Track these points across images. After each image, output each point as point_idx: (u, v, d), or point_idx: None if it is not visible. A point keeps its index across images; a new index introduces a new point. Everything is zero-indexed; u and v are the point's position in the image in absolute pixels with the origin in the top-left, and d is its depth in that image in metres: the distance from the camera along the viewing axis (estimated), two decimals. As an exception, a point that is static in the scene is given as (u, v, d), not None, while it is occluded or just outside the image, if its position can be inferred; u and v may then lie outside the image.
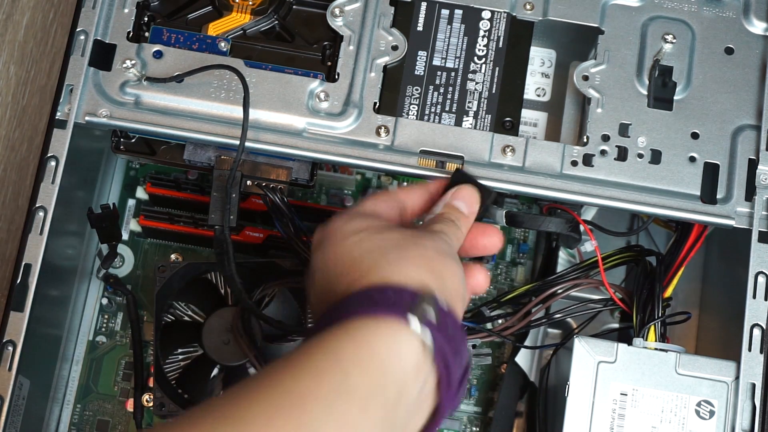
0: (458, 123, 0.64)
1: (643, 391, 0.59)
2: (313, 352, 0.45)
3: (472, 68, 0.66)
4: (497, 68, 0.66)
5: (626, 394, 0.59)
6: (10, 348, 0.59)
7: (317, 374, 0.44)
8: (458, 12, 0.66)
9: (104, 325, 0.74)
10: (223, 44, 0.66)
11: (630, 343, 0.60)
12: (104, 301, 0.74)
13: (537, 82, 0.71)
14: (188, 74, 0.63)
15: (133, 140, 0.65)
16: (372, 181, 0.77)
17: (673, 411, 0.59)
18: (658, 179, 0.63)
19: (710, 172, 0.63)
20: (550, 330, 0.73)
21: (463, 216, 0.57)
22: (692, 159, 0.63)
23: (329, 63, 0.66)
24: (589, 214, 0.68)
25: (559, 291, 0.65)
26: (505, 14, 0.66)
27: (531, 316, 0.65)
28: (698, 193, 0.63)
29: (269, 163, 0.63)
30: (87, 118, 0.63)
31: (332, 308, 0.49)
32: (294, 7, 0.68)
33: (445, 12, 0.67)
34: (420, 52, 0.66)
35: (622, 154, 0.63)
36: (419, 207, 0.58)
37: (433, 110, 0.65)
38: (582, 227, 0.66)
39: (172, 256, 0.75)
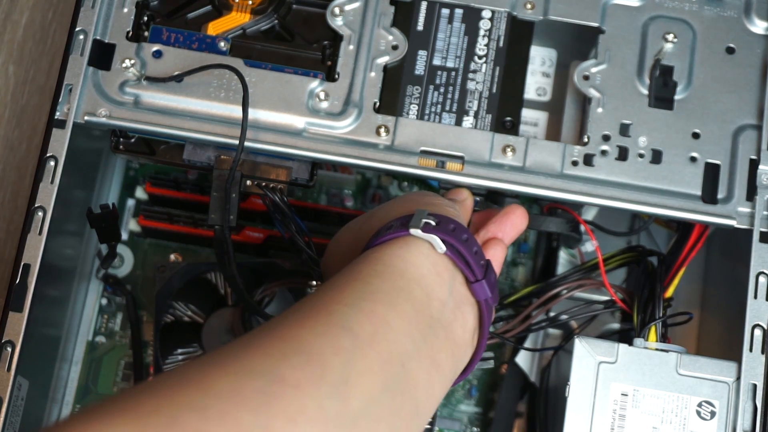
0: (458, 123, 0.64)
1: (644, 392, 0.59)
2: (334, 277, 0.49)
3: (472, 68, 0.65)
4: (497, 68, 0.65)
5: (627, 395, 0.59)
6: (9, 348, 0.59)
7: (339, 286, 0.48)
8: (458, 11, 0.66)
9: (104, 325, 0.74)
10: (222, 44, 0.66)
11: (631, 344, 0.60)
12: (104, 301, 0.74)
13: (537, 81, 0.70)
14: (188, 74, 0.63)
15: (133, 140, 0.65)
16: (372, 181, 0.77)
17: (674, 411, 0.59)
18: (659, 179, 0.63)
19: (711, 172, 0.63)
20: (550, 330, 0.72)
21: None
22: (693, 159, 0.63)
23: (329, 62, 0.66)
24: (589, 214, 0.68)
25: (562, 293, 0.65)
26: (506, 14, 0.66)
27: (532, 319, 0.65)
28: (699, 193, 0.62)
29: (269, 163, 0.63)
30: (86, 118, 0.63)
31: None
32: (294, 6, 0.68)
33: (445, 11, 0.66)
34: (420, 52, 0.66)
35: (622, 154, 0.63)
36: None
37: (433, 110, 0.64)
38: (582, 227, 0.66)
39: (172, 256, 0.75)
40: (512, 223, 0.60)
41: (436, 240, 0.51)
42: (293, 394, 0.40)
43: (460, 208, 0.60)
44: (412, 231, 0.51)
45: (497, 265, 0.58)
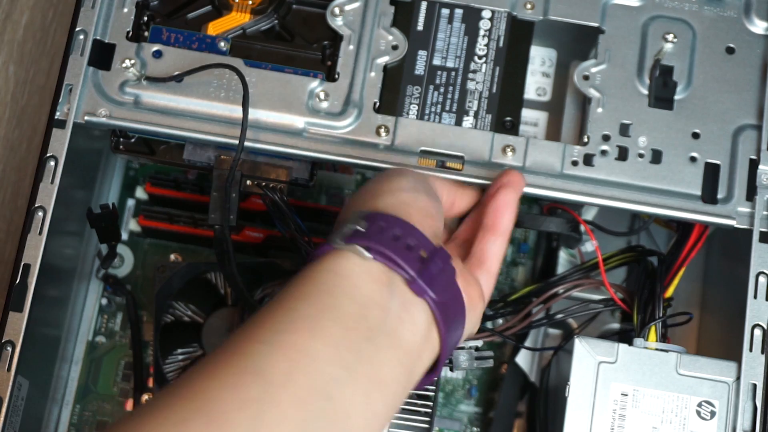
0: (458, 123, 0.64)
1: (644, 392, 0.59)
2: (263, 307, 0.47)
3: (472, 68, 0.65)
4: (497, 68, 0.65)
5: (627, 395, 0.59)
6: (9, 348, 0.59)
7: (260, 319, 0.45)
8: (458, 11, 0.66)
9: (104, 325, 0.74)
10: (222, 44, 0.66)
11: (631, 344, 0.60)
12: (104, 301, 0.74)
13: (537, 81, 0.70)
14: (188, 74, 0.63)
15: (133, 140, 0.65)
16: (372, 181, 0.77)
17: (674, 411, 0.59)
18: (659, 179, 0.63)
19: (711, 172, 0.63)
20: (550, 330, 0.72)
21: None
22: (693, 159, 0.63)
23: (329, 62, 0.66)
24: (589, 214, 0.68)
25: (561, 291, 0.65)
26: (506, 14, 0.66)
27: (532, 317, 0.65)
28: (699, 193, 0.62)
29: (269, 162, 0.63)
30: (86, 118, 0.63)
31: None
32: (294, 6, 0.68)
33: (445, 11, 0.66)
34: (420, 52, 0.66)
35: (622, 154, 0.63)
36: (465, 209, 0.60)
37: (433, 110, 0.64)
38: (582, 227, 0.66)
39: (172, 256, 0.75)
40: (507, 206, 0.57)
41: (358, 249, 0.48)
42: None
43: (459, 195, 0.58)
44: (335, 244, 0.49)
45: (496, 261, 0.56)
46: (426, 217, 0.52)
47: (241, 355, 0.43)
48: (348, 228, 0.49)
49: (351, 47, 0.65)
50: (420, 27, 0.66)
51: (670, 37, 0.65)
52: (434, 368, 0.51)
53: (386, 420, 0.47)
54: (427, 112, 0.64)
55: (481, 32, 0.66)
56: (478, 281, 0.54)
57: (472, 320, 0.53)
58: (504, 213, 0.57)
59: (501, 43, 0.66)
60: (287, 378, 0.42)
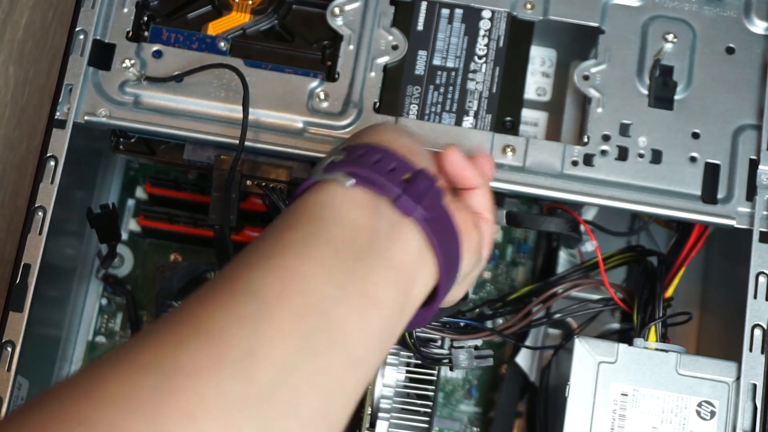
0: (458, 123, 0.64)
1: (644, 392, 0.59)
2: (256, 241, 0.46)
3: (472, 68, 0.65)
4: (497, 68, 0.65)
5: (627, 395, 0.59)
6: (9, 348, 0.59)
7: (249, 250, 0.45)
8: (458, 11, 0.66)
9: (104, 325, 0.74)
10: (222, 44, 0.66)
11: (631, 344, 0.60)
12: (104, 301, 0.74)
13: (537, 81, 0.70)
14: (188, 74, 0.63)
15: (133, 140, 0.65)
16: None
17: (673, 411, 0.59)
18: (659, 179, 0.63)
19: (711, 172, 0.63)
20: (550, 330, 0.72)
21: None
22: (693, 159, 0.63)
23: (329, 62, 0.66)
24: (589, 214, 0.68)
25: (561, 291, 0.65)
26: (506, 14, 0.66)
27: (532, 316, 0.65)
28: (699, 193, 0.62)
29: (269, 162, 0.63)
30: (86, 118, 0.63)
31: None
32: (294, 6, 0.68)
33: (445, 11, 0.66)
34: (420, 52, 0.66)
35: (622, 154, 0.63)
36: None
37: (433, 110, 0.64)
38: (582, 227, 0.66)
39: (172, 256, 0.75)
40: (457, 164, 0.54)
41: (338, 177, 0.47)
42: (190, 386, 0.37)
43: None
44: (315, 177, 0.48)
45: (486, 209, 0.54)
46: (410, 153, 0.50)
47: (234, 279, 0.43)
48: (328, 159, 0.49)
49: (351, 47, 0.65)
50: (420, 27, 0.66)
51: (670, 37, 0.65)
52: (435, 295, 0.49)
53: (385, 342, 0.46)
54: (427, 112, 0.64)
55: (481, 32, 0.66)
56: (470, 208, 0.53)
57: (470, 249, 0.51)
58: (462, 170, 0.54)
59: (501, 43, 0.66)
60: (281, 296, 0.42)
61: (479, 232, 0.53)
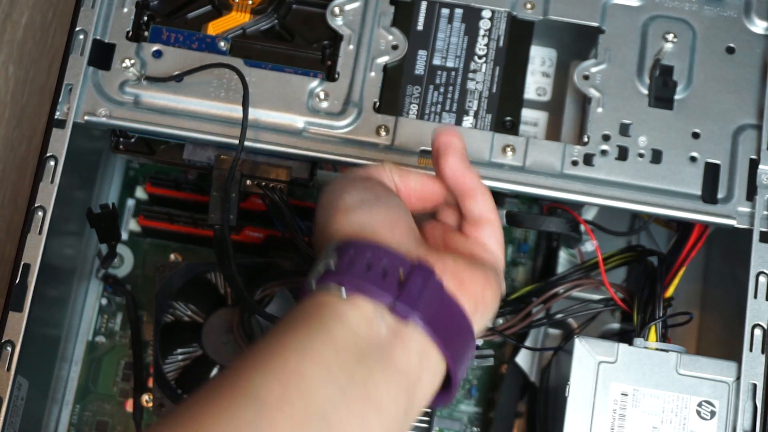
0: (458, 122, 0.64)
1: (644, 392, 0.59)
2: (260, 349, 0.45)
3: (472, 67, 0.65)
4: (497, 68, 0.65)
5: (627, 395, 0.59)
6: (9, 348, 0.59)
7: (253, 353, 0.44)
8: (458, 11, 0.66)
9: (104, 325, 0.74)
10: (222, 43, 0.66)
11: (631, 344, 0.60)
12: (104, 301, 0.74)
13: (537, 81, 0.70)
14: (188, 73, 0.63)
15: (133, 140, 0.65)
16: (372, 180, 0.77)
17: (674, 411, 0.59)
18: (659, 179, 0.63)
19: (711, 171, 0.63)
20: (550, 330, 0.72)
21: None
22: (693, 159, 0.63)
23: (329, 62, 0.66)
24: (589, 214, 0.68)
25: (561, 291, 0.65)
26: (506, 13, 0.66)
27: (532, 316, 0.65)
28: (699, 192, 0.62)
29: (269, 162, 0.63)
30: (86, 118, 0.63)
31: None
32: (294, 6, 0.68)
33: (445, 11, 0.66)
34: (420, 52, 0.66)
35: (622, 154, 0.63)
36: (424, 193, 0.56)
37: (433, 109, 0.64)
38: (582, 227, 0.66)
39: (172, 256, 0.75)
40: (458, 170, 0.53)
41: (332, 289, 0.46)
42: None
43: (407, 180, 0.54)
44: (310, 288, 0.47)
45: (490, 213, 0.53)
46: (393, 229, 0.50)
47: (235, 380, 0.42)
48: (321, 266, 0.48)
49: (351, 47, 0.65)
50: (420, 27, 0.66)
51: (670, 36, 0.65)
52: (450, 385, 0.49)
53: None
54: (427, 111, 0.64)
55: (481, 32, 0.66)
56: (481, 265, 0.52)
57: (484, 314, 0.51)
58: (462, 176, 0.53)
59: (501, 43, 0.66)
60: (281, 399, 0.42)
61: (492, 285, 0.51)
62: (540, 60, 0.71)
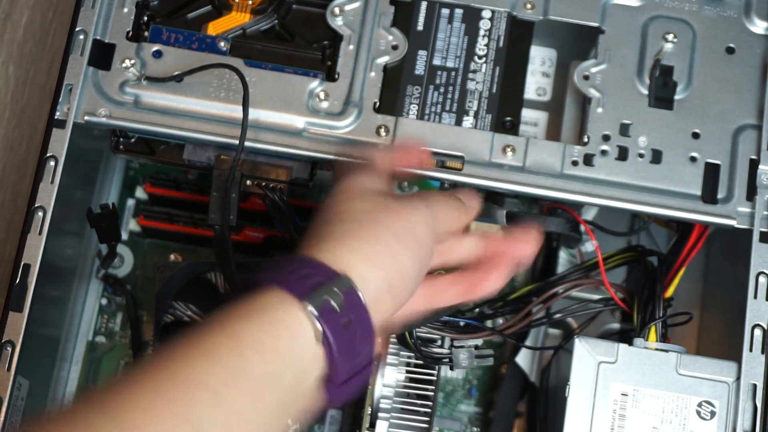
0: (458, 122, 0.64)
1: (644, 392, 0.59)
2: (214, 331, 0.44)
3: (472, 68, 0.65)
4: (497, 68, 0.65)
5: (627, 395, 0.59)
6: (9, 348, 0.59)
7: (212, 358, 0.43)
8: (458, 11, 0.66)
9: (104, 325, 0.74)
10: (222, 44, 0.66)
11: (631, 344, 0.60)
12: (104, 301, 0.74)
13: (537, 81, 0.70)
14: (188, 74, 0.63)
15: (133, 140, 0.65)
16: (372, 180, 0.77)
17: (674, 411, 0.59)
18: (659, 179, 0.63)
19: (711, 172, 0.63)
20: (550, 330, 0.72)
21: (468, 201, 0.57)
22: (693, 159, 0.63)
23: (329, 62, 0.66)
24: (589, 214, 0.68)
25: (561, 291, 0.65)
26: (506, 14, 0.66)
27: (532, 316, 0.65)
28: (699, 193, 0.62)
29: (269, 162, 0.63)
30: (86, 118, 0.63)
31: (273, 262, 0.48)
32: (294, 6, 0.68)
33: (445, 11, 0.66)
34: (420, 52, 0.66)
35: (622, 154, 0.63)
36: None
37: (433, 110, 0.64)
38: (582, 227, 0.66)
39: (172, 256, 0.75)
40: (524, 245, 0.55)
41: (320, 329, 0.45)
42: None
43: (463, 214, 0.56)
44: (310, 309, 0.46)
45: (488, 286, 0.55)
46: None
47: (186, 400, 0.41)
48: (326, 294, 0.46)
49: (351, 47, 0.65)
50: (420, 27, 0.66)
51: (670, 37, 0.65)
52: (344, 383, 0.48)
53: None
54: (427, 112, 0.64)
55: (481, 32, 0.66)
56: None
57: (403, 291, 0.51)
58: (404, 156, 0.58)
59: (501, 43, 0.66)
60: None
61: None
62: (540, 60, 0.71)
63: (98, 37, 0.64)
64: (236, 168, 0.61)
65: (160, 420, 0.40)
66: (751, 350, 0.59)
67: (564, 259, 0.72)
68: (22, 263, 0.60)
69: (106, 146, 0.67)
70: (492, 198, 0.66)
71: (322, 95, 0.63)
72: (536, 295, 0.65)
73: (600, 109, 0.64)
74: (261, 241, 0.72)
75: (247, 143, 0.61)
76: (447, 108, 0.65)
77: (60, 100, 0.62)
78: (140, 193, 0.76)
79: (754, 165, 0.63)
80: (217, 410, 0.41)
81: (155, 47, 0.64)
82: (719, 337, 0.70)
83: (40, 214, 0.61)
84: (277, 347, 0.44)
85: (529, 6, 0.66)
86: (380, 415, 0.64)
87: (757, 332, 0.60)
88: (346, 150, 0.61)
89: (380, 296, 0.49)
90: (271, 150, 0.63)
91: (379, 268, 0.49)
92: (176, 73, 0.63)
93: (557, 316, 0.66)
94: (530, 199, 0.71)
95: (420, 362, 0.64)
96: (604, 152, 0.63)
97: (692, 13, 0.66)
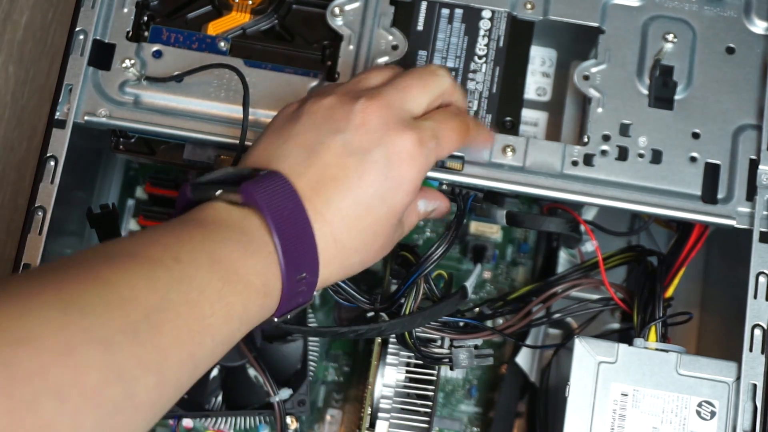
0: (458, 123, 0.64)
1: (644, 392, 0.59)
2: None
3: (472, 68, 0.65)
4: (497, 68, 0.65)
5: (627, 395, 0.59)
6: (9, 348, 0.59)
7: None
8: (458, 11, 0.66)
9: (104, 325, 0.74)
10: (222, 44, 0.66)
11: (631, 344, 0.60)
12: (104, 301, 0.74)
13: (537, 81, 0.70)
14: (188, 74, 0.63)
15: (133, 140, 0.65)
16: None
17: (674, 411, 0.59)
18: (659, 179, 0.63)
19: (711, 172, 0.63)
20: (550, 330, 0.73)
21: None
22: (693, 159, 0.63)
23: (329, 62, 0.66)
24: (589, 214, 0.68)
25: (560, 291, 0.65)
26: (506, 14, 0.66)
27: (532, 316, 0.65)
28: (699, 193, 0.62)
29: (269, 162, 0.63)
30: (86, 118, 0.63)
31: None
32: (294, 6, 0.68)
33: (445, 11, 0.66)
34: (420, 52, 0.66)
35: (622, 154, 0.63)
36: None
37: (433, 110, 0.64)
38: (582, 227, 0.66)
39: (172, 256, 0.75)
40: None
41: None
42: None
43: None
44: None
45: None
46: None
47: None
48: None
49: (351, 47, 0.65)
50: (420, 27, 0.66)
51: (670, 37, 0.65)
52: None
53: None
54: (427, 112, 0.64)
55: (481, 32, 0.66)
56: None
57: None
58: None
59: (501, 43, 0.66)
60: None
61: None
62: (540, 60, 0.71)
63: (98, 37, 0.64)
64: (236, 168, 0.61)
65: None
66: (751, 350, 0.59)
67: (564, 259, 0.72)
68: (22, 263, 0.60)
69: (106, 146, 0.67)
70: (492, 198, 0.66)
71: (322, 95, 0.63)
72: (536, 294, 0.65)
73: (600, 109, 0.64)
74: (261, 241, 0.71)
75: (247, 144, 0.61)
76: (447, 108, 0.65)
77: (60, 100, 0.62)
78: (140, 193, 0.76)
79: (754, 165, 0.63)
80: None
81: (155, 47, 0.64)
82: (719, 337, 0.70)
83: (40, 214, 0.61)
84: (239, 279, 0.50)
85: (529, 6, 0.66)
86: (380, 415, 0.64)
87: (757, 332, 0.60)
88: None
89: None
90: (271, 150, 0.62)
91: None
92: (176, 73, 0.63)
93: (557, 315, 0.66)
94: (530, 199, 0.71)
95: (420, 362, 0.64)
96: (604, 152, 0.63)
97: (692, 13, 0.66)
